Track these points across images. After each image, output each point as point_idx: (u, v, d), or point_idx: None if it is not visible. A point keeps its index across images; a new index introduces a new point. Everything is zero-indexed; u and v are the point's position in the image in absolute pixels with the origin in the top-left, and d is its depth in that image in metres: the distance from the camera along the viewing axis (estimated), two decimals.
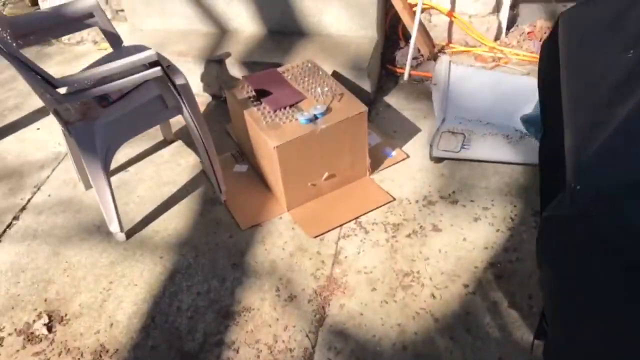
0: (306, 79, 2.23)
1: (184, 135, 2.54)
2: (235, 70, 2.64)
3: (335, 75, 2.52)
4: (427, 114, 2.53)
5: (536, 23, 3.00)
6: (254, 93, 2.17)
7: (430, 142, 2.16)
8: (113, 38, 2.14)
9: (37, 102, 2.68)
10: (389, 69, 2.85)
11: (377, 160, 2.26)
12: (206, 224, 2.11)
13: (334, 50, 2.62)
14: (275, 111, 2.08)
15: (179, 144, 2.51)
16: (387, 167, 2.27)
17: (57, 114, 1.73)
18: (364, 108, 2.05)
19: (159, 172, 2.37)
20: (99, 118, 1.82)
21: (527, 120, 2.00)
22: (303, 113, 2.03)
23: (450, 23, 2.94)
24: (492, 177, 2.18)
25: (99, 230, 2.12)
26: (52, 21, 2.02)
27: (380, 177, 2.24)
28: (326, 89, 2.15)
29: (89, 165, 1.86)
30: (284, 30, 2.77)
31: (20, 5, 3.50)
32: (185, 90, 1.88)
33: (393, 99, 2.65)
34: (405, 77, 2.77)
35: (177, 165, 2.39)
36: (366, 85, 2.55)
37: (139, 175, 2.36)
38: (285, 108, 2.09)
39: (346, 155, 2.13)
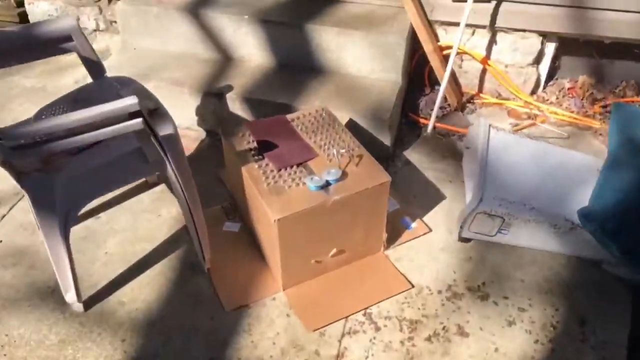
0: (319, 131, 1.89)
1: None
2: (236, 106, 2.29)
3: (351, 124, 2.17)
4: (453, 178, 2.18)
5: (578, 78, 2.67)
6: (255, 144, 1.81)
7: (461, 223, 1.81)
8: (94, 67, 1.78)
9: None
10: (411, 118, 2.50)
11: (394, 232, 1.91)
12: (183, 298, 1.75)
13: (352, 93, 2.27)
14: (279, 170, 1.72)
15: (162, 188, 2.14)
16: (405, 242, 1.92)
17: (4, 164, 1.37)
18: (386, 177, 1.70)
19: (135, 223, 2.00)
20: (62, 170, 1.46)
21: (586, 215, 1.66)
22: (313, 177, 1.67)
23: (484, 71, 2.61)
24: (529, 266, 1.82)
25: (53, 295, 1.75)
26: (21, 42, 1.66)
27: (396, 254, 1.88)
28: (342, 148, 1.80)
29: (43, 225, 1.50)
30: (296, 64, 2.43)
31: (4, 6, 3.15)
32: (170, 143, 1.52)
33: (414, 155, 2.30)
34: (429, 129, 2.43)
35: (157, 216, 2.03)
36: (386, 139, 2.20)
37: (110, 225, 2.00)
38: (291, 167, 1.74)
39: (360, 229, 1.77)
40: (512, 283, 1.78)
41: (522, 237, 1.78)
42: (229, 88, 2.30)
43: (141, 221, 2.01)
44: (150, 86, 2.27)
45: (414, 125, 2.48)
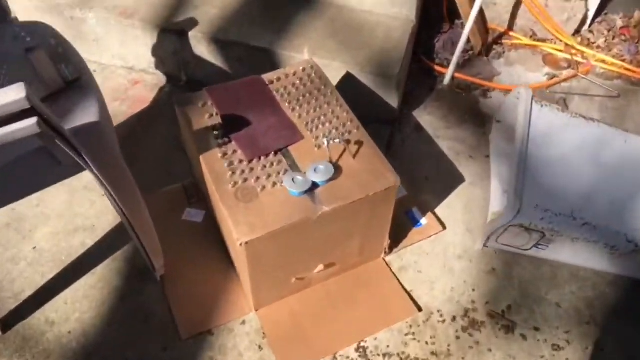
0: (305, 99, 1.41)
1: (119, 140, 1.72)
2: (201, 48, 1.78)
3: (348, 80, 1.68)
4: (475, 151, 1.74)
5: (633, 15, 2.14)
6: (220, 121, 1.35)
7: (488, 234, 1.40)
8: None
9: None
10: (424, 64, 2.00)
11: (398, 229, 1.51)
12: (129, 318, 1.38)
13: (351, 35, 1.76)
14: (250, 161, 1.28)
15: None
16: (412, 245, 1.52)
17: None
18: (393, 179, 1.26)
19: (73, 206, 1.58)
20: None
21: None
22: (295, 177, 1.23)
23: (517, 4, 2.07)
24: (568, 285, 1.45)
25: None
26: None
27: (400, 260, 1.49)
28: (335, 127, 1.34)
29: None
30: None
31: None
32: (91, 137, 1.07)
33: (426, 117, 1.84)
34: (447, 80, 1.94)
35: (100, 196, 1.60)
36: (392, 98, 1.73)
37: (41, 208, 1.57)
38: (267, 156, 1.29)
39: (356, 240, 1.37)
40: (545, 308, 1.41)
41: (564, 254, 1.39)
42: (193, 23, 1.78)
43: (81, 203, 1.58)
44: (90, 17, 1.75)
45: (427, 73, 1.99)
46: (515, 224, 1.31)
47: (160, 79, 1.91)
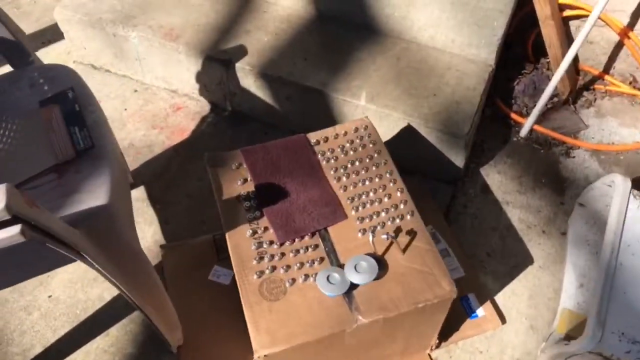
0: (354, 167, 1.22)
1: (152, 177, 1.59)
2: (249, 81, 1.61)
3: (408, 135, 1.47)
4: (549, 226, 1.50)
5: None
6: (252, 188, 1.17)
7: (557, 357, 1.17)
8: (12, 50, 1.13)
9: None
10: (500, 110, 1.75)
11: (449, 319, 1.29)
12: None
13: (417, 80, 1.53)
14: (281, 245, 1.10)
15: (139, 193, 1.56)
16: (464, 339, 1.31)
17: None
18: (448, 290, 1.05)
19: None
20: None
21: None
22: (332, 274, 1.05)
23: (619, 44, 1.77)
24: None
25: None
26: None
27: (449, 358, 1.29)
28: (384, 209, 1.14)
29: None
30: (344, 18, 1.67)
31: None
32: (94, 225, 0.92)
33: (496, 176, 1.60)
34: (524, 131, 1.68)
35: None
36: (457, 158, 1.50)
37: None
38: (302, 238, 1.11)
39: (398, 343, 1.18)
40: None
41: None
42: (241, 52, 1.60)
43: None
44: (132, 36, 1.61)
45: (501, 120, 1.74)
46: (594, 351, 1.08)
47: (203, 106, 1.75)
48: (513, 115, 1.72)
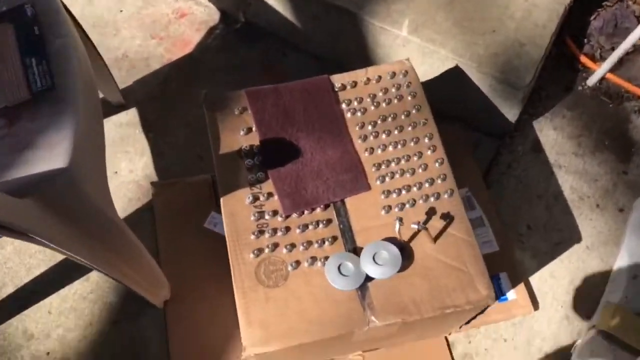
0: (386, 123, 0.98)
1: (147, 97, 1.37)
2: None
3: (456, 76, 1.21)
4: (606, 199, 1.28)
5: None
6: (256, 145, 0.96)
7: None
8: None
9: None
10: (568, 49, 1.45)
11: None
12: (119, 347, 1.13)
13: (475, 10, 1.24)
14: (287, 217, 0.91)
15: (131, 116, 1.35)
16: (489, 324, 1.15)
17: None
18: (485, 294, 0.87)
19: None
20: None
21: None
22: (344, 263, 0.86)
23: None
24: None
25: None
26: None
27: (467, 342, 1.14)
28: (416, 186, 0.92)
29: None
30: None
31: None
32: (47, 197, 0.72)
33: (551, 132, 1.36)
34: (593, 79, 1.41)
35: (111, 172, 1.29)
36: (510, 112, 1.25)
37: None
38: (312, 210, 0.91)
39: (415, 333, 1.01)
40: None
41: None
42: None
43: None
44: None
45: (567, 62, 1.45)
46: None
47: (212, 14, 1.48)
48: (583, 58, 1.43)
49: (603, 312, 1.12)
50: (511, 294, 1.16)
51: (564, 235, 1.24)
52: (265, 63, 1.41)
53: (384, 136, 0.97)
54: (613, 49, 1.40)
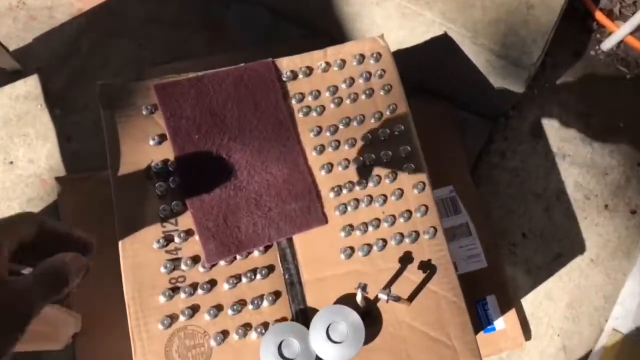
0: (350, 129, 0.72)
1: (52, 61, 1.07)
2: None
3: (445, 46, 0.93)
4: (616, 198, 1.06)
5: None
6: (171, 158, 0.69)
7: None
8: None
9: None
10: (582, 3, 1.17)
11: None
12: None
13: None
14: (212, 267, 0.66)
15: (31, 86, 1.05)
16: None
17: None
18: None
19: None
20: None
21: None
22: (289, 340, 0.63)
23: None
24: None
25: None
26: None
27: None
28: (387, 220, 0.68)
29: None
30: None
31: None
32: None
33: (554, 110, 1.11)
34: (609, 43, 1.14)
35: (5, 162, 1.01)
36: (510, 93, 0.99)
37: None
38: (247, 254, 0.67)
39: None
40: None
41: None
42: None
43: None
44: None
45: (579, 22, 1.18)
46: None
47: None
48: (598, 15, 1.15)
49: (608, 344, 0.94)
50: (499, 323, 0.96)
51: (564, 246, 1.03)
52: (203, 15, 1.11)
53: (346, 147, 0.72)
54: (635, 3, 1.14)
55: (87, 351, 0.91)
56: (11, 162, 1.01)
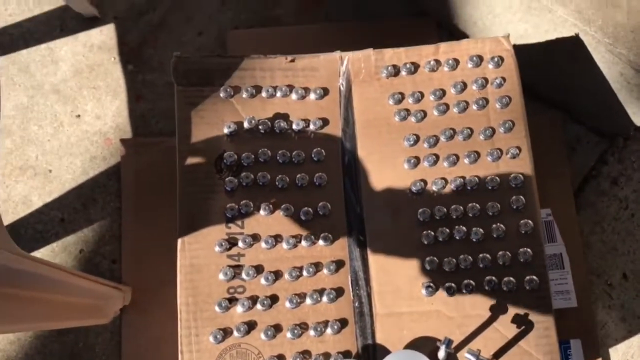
0: (454, 143, 0.61)
1: (128, 13, 1.00)
2: None
3: (573, 49, 0.79)
4: None
5: None
6: (247, 150, 0.61)
7: None
8: None
9: None
10: None
11: None
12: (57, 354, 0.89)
13: None
14: (275, 281, 0.59)
15: (106, 36, 0.99)
16: None
17: None
18: None
19: (28, 125, 0.97)
20: None
21: None
22: None
23: None
24: None
25: None
26: None
27: None
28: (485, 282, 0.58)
29: None
30: None
31: None
32: None
33: None
34: None
35: (73, 116, 0.96)
36: (636, 110, 0.84)
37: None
38: (315, 270, 0.59)
39: None
40: None
41: None
42: None
43: (43, 125, 0.96)
44: None
45: None
46: None
47: None
48: None
49: None
50: None
51: None
52: None
53: (445, 164, 0.61)
54: None
55: (134, 326, 0.87)
56: (78, 116, 0.95)
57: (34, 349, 0.88)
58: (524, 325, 0.57)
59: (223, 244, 0.59)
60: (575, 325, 0.86)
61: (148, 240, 0.89)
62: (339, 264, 0.60)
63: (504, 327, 0.57)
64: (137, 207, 0.91)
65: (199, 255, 0.59)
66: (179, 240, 0.59)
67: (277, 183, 0.61)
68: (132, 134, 0.95)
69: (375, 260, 0.60)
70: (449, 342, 0.52)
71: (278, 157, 0.61)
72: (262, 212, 0.60)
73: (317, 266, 0.60)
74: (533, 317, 0.57)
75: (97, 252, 0.91)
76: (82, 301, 0.74)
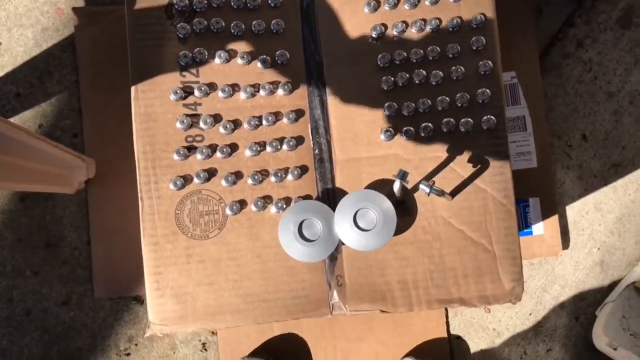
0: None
1: None
2: None
3: None
4: None
5: None
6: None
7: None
8: None
9: None
10: None
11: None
12: (25, 231, 0.89)
13: None
14: (233, 130, 0.58)
15: None
16: None
17: None
18: (507, 290, 0.59)
19: None
20: None
21: None
22: (311, 220, 0.56)
23: None
24: None
25: None
26: None
27: None
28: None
29: None
30: None
31: None
32: None
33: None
34: None
35: None
36: None
37: None
38: (272, 119, 0.59)
39: None
40: None
41: None
42: None
43: None
44: None
45: None
46: None
47: None
48: None
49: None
50: (538, 228, 0.89)
51: (626, 155, 0.92)
52: None
53: (406, 7, 0.59)
54: None
55: (99, 198, 0.88)
56: None
57: (0, 223, 0.88)
58: (479, 165, 0.58)
59: (178, 92, 0.57)
60: (535, 185, 0.89)
61: (109, 111, 0.87)
62: (299, 113, 0.59)
63: (461, 167, 0.58)
64: (95, 78, 0.88)
65: (154, 104, 0.58)
66: (132, 88, 0.58)
67: (232, 30, 0.59)
68: (84, 2, 0.90)
69: (335, 108, 0.59)
70: (403, 174, 0.52)
71: (232, 2, 0.59)
72: (217, 60, 0.58)
73: (277, 115, 0.59)
74: (489, 156, 0.58)
75: (57, 127, 0.89)
76: (46, 168, 0.74)
